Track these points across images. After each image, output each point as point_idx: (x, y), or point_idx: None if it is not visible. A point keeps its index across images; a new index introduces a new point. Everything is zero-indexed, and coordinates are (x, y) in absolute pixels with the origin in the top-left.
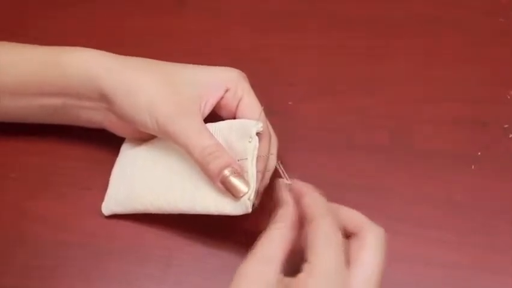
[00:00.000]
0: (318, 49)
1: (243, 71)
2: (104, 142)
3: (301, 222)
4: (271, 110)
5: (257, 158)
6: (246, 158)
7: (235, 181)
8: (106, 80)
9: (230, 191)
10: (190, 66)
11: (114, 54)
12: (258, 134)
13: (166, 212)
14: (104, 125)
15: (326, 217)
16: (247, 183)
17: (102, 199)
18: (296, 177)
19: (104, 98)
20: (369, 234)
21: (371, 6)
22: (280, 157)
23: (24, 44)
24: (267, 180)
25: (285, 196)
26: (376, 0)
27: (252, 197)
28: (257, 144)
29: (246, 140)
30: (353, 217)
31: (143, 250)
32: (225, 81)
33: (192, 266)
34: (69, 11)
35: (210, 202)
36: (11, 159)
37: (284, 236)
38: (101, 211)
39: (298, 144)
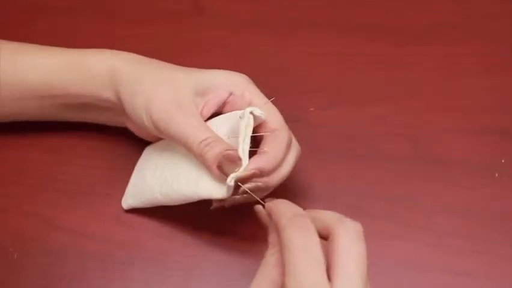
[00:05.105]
0: (337, 57)
1: (261, 78)
2: (124, 150)
3: None
4: (290, 117)
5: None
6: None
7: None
8: (121, 80)
9: (225, 174)
10: (195, 69)
11: (132, 54)
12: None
13: (173, 202)
14: (126, 125)
15: (291, 224)
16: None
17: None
18: (315, 184)
19: (119, 99)
20: (338, 233)
21: (391, 15)
22: (299, 164)
23: (46, 46)
24: (284, 173)
25: (266, 221)
26: (396, 9)
27: (239, 173)
28: (251, 122)
29: (239, 119)
30: (322, 218)
31: (165, 258)
32: (228, 85)
33: (214, 274)
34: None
35: (210, 188)
36: (29, 167)
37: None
38: (122, 219)
39: (317, 151)
